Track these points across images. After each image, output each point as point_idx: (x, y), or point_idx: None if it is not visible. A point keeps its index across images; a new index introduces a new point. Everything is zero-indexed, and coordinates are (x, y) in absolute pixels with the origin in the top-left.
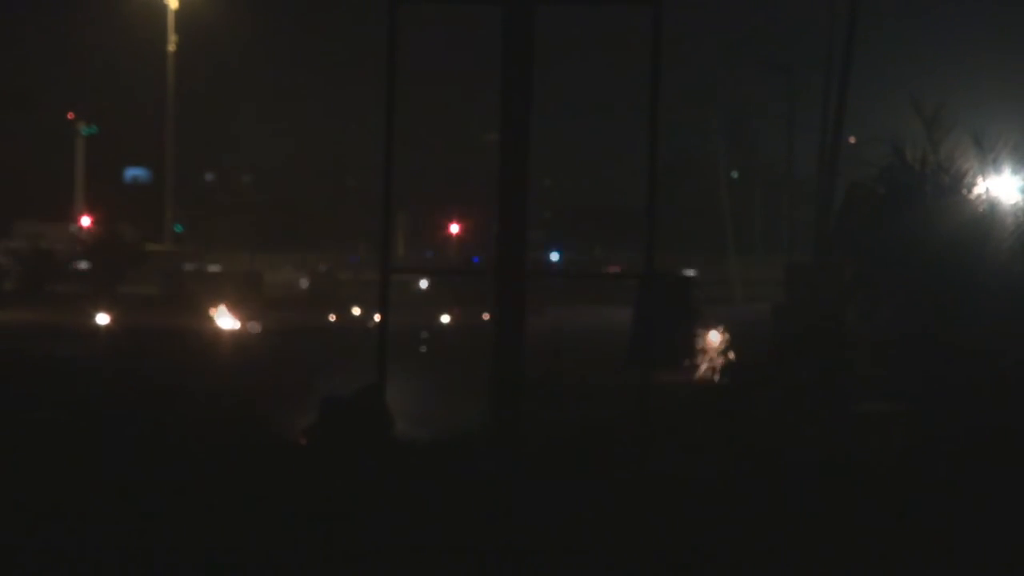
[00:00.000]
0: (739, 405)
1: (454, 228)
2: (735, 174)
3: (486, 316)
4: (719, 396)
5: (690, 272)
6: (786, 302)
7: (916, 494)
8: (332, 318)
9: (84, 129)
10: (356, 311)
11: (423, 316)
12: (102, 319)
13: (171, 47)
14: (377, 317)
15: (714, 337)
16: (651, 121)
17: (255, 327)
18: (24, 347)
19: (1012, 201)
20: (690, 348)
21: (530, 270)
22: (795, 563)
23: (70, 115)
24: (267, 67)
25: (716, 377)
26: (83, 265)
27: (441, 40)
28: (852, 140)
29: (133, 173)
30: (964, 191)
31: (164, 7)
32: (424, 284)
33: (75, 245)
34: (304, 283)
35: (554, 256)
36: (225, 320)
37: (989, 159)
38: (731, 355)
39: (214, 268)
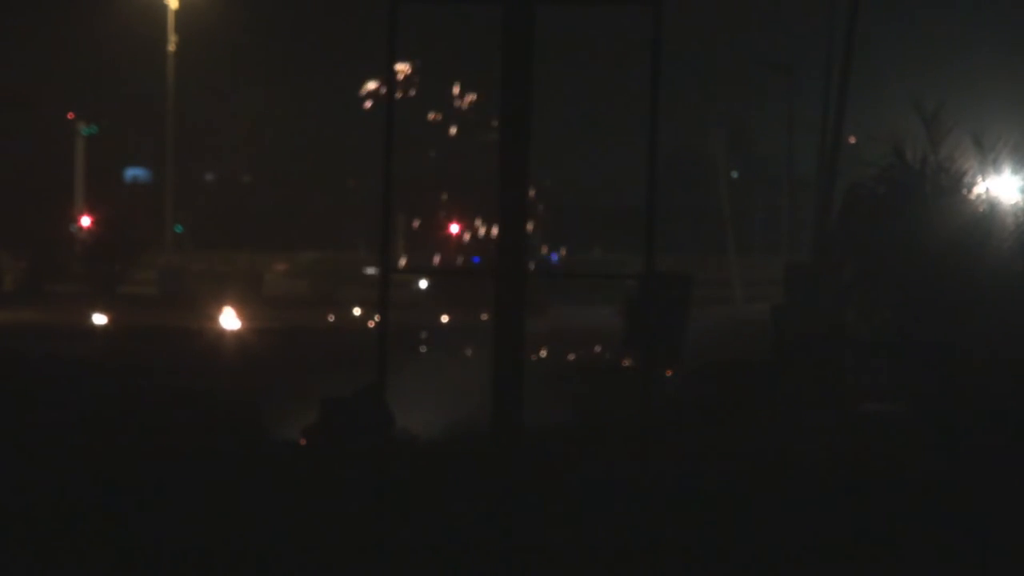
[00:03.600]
0: (739, 405)
1: (454, 228)
2: (735, 174)
3: (484, 316)
4: (719, 396)
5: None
6: (786, 302)
7: (916, 494)
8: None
9: (84, 129)
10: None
11: (423, 316)
12: (100, 319)
13: (171, 47)
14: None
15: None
16: (651, 121)
17: (248, 326)
18: (24, 347)
19: (1012, 201)
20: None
21: (530, 270)
22: (795, 563)
23: (70, 115)
24: (267, 67)
25: None
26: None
27: (441, 39)
28: (852, 140)
29: (133, 173)
30: (964, 191)
31: (164, 7)
32: (423, 284)
33: (73, 245)
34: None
35: (553, 257)
36: (227, 320)
37: (989, 159)
38: None
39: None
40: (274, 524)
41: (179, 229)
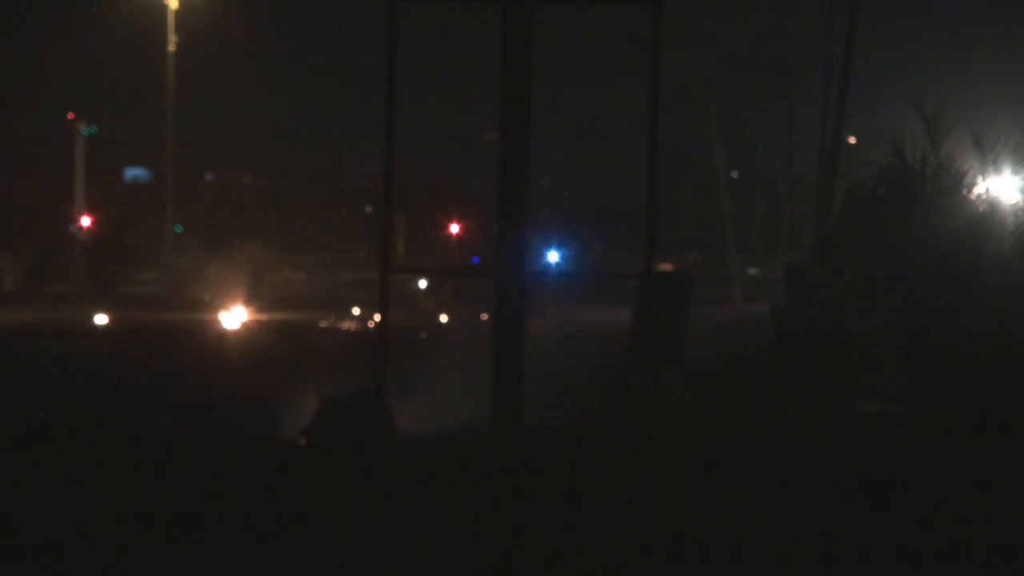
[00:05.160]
0: (738, 405)
1: (454, 228)
2: (735, 174)
3: (484, 316)
4: (718, 396)
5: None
6: (786, 302)
7: (915, 494)
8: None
9: (84, 129)
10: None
11: (422, 316)
12: (101, 319)
13: (171, 47)
14: (377, 317)
15: None
16: (651, 121)
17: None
18: (24, 347)
19: (1012, 201)
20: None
21: (530, 270)
22: (794, 563)
23: (70, 115)
24: (266, 67)
25: None
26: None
27: (441, 39)
28: (852, 140)
29: (133, 173)
30: (964, 191)
31: (164, 7)
32: (423, 284)
33: (73, 245)
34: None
35: (553, 256)
36: (227, 319)
37: (989, 159)
38: None
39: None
40: (273, 523)
41: (179, 229)
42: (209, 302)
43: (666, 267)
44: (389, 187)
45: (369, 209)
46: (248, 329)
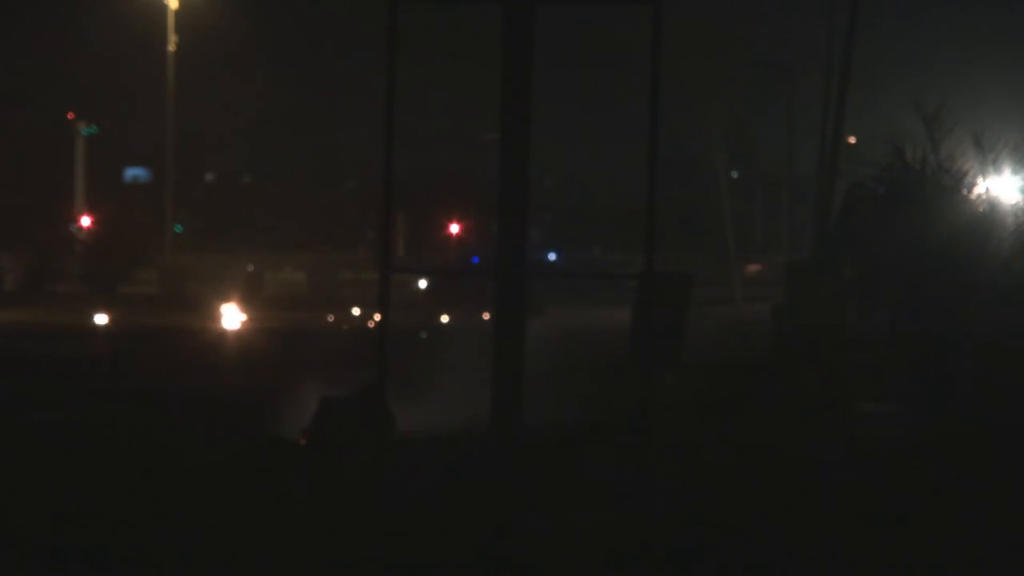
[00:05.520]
0: (738, 405)
1: (454, 228)
2: (735, 174)
3: (486, 316)
4: (719, 395)
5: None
6: (786, 302)
7: (916, 493)
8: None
9: (84, 129)
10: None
11: (423, 316)
12: (101, 319)
13: (171, 47)
14: (377, 317)
15: None
16: (651, 121)
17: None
18: (24, 347)
19: (1012, 201)
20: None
21: (530, 270)
22: (795, 562)
23: (70, 115)
24: (266, 66)
25: None
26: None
27: (441, 39)
28: (852, 140)
29: (133, 173)
30: (964, 191)
31: (164, 7)
32: (423, 284)
33: (73, 245)
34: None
35: (552, 256)
36: (227, 320)
37: (989, 159)
38: None
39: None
40: (273, 523)
41: (179, 229)
42: (209, 302)
43: (754, 267)
44: (389, 187)
45: (370, 235)
46: (247, 329)
